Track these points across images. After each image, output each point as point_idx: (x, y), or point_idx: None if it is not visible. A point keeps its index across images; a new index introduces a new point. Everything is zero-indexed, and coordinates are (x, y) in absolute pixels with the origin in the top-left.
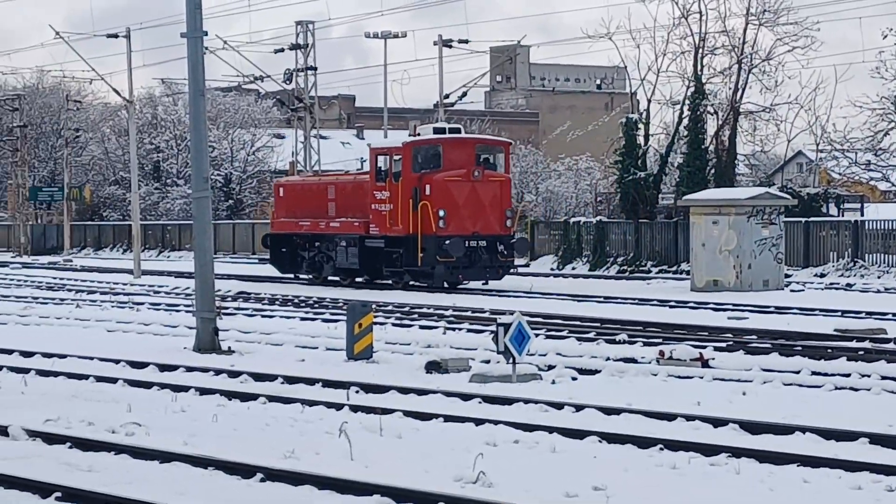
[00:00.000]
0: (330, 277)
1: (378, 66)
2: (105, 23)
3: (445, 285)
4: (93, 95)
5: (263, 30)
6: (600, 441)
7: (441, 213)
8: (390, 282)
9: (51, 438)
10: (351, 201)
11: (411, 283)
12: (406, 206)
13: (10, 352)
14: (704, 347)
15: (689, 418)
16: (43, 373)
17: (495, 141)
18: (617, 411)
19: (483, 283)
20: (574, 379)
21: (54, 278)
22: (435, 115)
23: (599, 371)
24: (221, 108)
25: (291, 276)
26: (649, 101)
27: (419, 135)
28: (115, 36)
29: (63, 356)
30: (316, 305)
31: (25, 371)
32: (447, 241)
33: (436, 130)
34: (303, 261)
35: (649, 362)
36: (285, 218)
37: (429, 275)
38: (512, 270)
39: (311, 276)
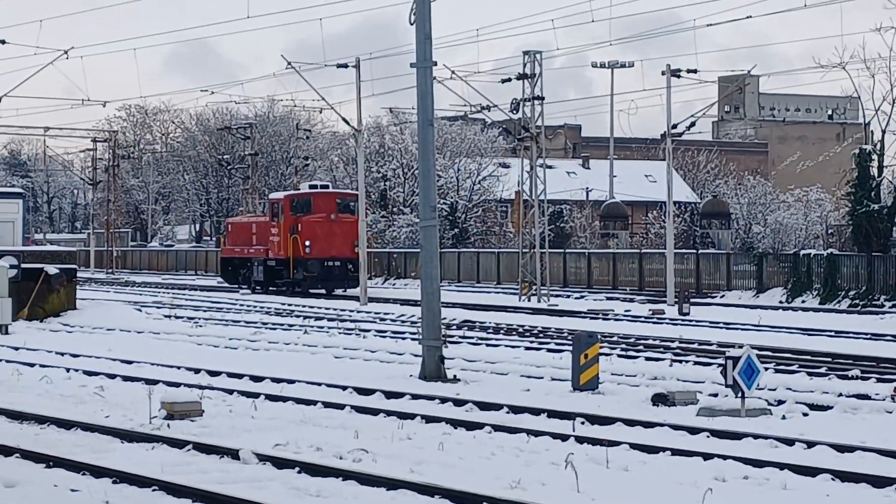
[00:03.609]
0: (256, 288)
1: (604, 97)
2: (327, 52)
3: (324, 291)
4: (322, 124)
5: (487, 60)
6: (833, 479)
7: (307, 242)
8: (285, 289)
9: (280, 463)
10: (262, 235)
11: (296, 289)
12: (286, 238)
13: (240, 376)
14: None
15: None
16: (272, 397)
17: (351, 194)
18: (850, 449)
19: (343, 291)
20: (805, 415)
21: (282, 304)
22: (662, 146)
23: (831, 407)
24: (448, 137)
25: (236, 286)
26: (884, 131)
27: (299, 189)
28: (345, 66)
29: (292, 381)
30: (540, 335)
31: (255, 395)
32: (309, 262)
33: (310, 187)
34: (240, 276)
35: (884, 399)
36: (230, 246)
37: (299, 284)
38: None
39: (244, 287)
